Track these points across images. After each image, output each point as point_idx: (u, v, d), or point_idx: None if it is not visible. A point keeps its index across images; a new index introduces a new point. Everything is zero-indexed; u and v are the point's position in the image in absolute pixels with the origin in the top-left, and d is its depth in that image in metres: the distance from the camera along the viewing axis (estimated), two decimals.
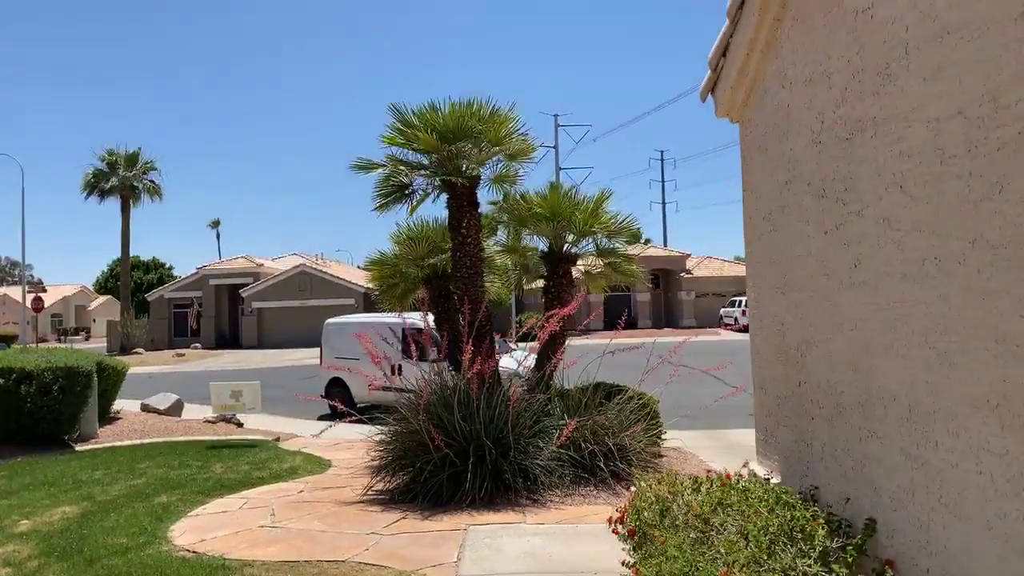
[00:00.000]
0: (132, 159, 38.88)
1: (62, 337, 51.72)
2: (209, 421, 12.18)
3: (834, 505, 3.46)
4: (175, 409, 13.21)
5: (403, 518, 6.45)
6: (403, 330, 11.73)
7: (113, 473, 8.43)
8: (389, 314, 14.27)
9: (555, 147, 45.34)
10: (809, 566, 2.88)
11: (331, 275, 40.88)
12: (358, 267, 51.86)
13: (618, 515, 4.41)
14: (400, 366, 8.91)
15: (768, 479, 4.11)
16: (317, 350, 36.84)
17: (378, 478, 7.44)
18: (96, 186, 38.22)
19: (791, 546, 3.11)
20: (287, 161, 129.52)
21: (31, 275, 64.98)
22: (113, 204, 39.02)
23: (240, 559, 5.36)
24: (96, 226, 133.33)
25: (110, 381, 11.86)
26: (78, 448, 10.10)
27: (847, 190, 3.26)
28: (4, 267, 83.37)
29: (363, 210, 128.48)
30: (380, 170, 8.78)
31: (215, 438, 10.73)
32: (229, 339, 41.88)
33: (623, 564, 4.30)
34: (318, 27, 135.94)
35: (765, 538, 3.11)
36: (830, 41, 3.36)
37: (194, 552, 5.59)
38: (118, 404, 12.60)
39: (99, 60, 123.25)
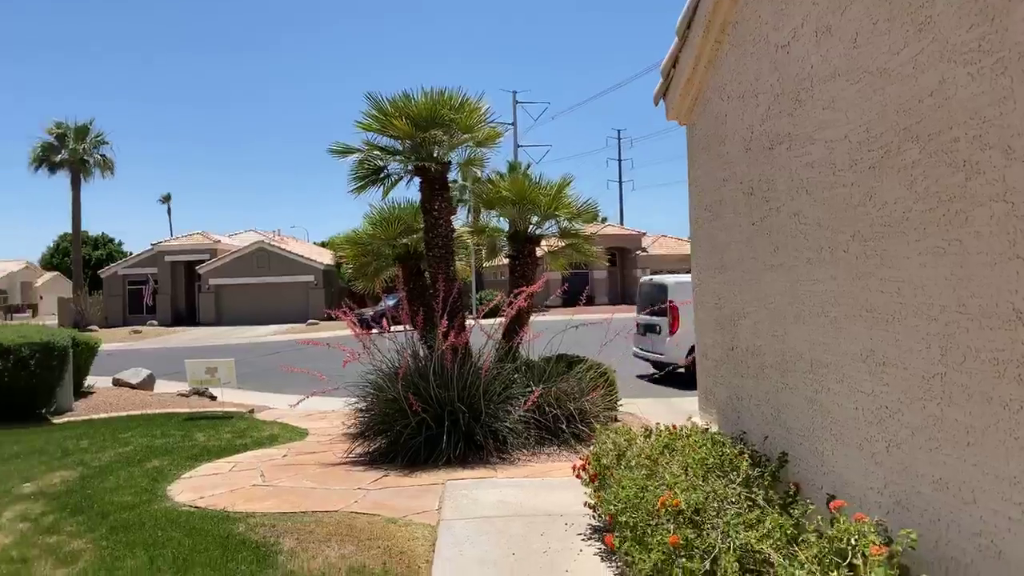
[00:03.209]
0: (82, 132, 37.69)
1: (9, 314, 50.33)
2: (182, 395, 12.55)
3: (757, 444, 4.26)
4: (148, 383, 13.52)
5: (385, 476, 7.06)
6: None
7: (99, 442, 8.78)
8: None
9: (513, 124, 45.79)
10: (735, 489, 3.65)
11: (290, 252, 40.63)
12: (315, 243, 51.49)
13: (581, 463, 5.15)
14: None
15: (707, 428, 4.89)
16: (277, 327, 36.38)
17: (358, 443, 8.03)
18: (45, 159, 37.06)
19: (722, 476, 3.89)
20: (239, 137, 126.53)
21: None
22: (60, 179, 38.02)
23: (241, 511, 5.88)
24: (40, 201, 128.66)
25: (83, 356, 12.13)
26: (55, 421, 10.38)
27: (769, 190, 3.99)
28: None
29: (319, 186, 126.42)
30: (356, 155, 9.26)
31: (190, 410, 11.09)
32: (186, 316, 41.38)
33: (585, 505, 5.05)
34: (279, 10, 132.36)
35: (701, 469, 3.88)
36: (758, 67, 4.07)
37: (197, 507, 6.12)
38: (89, 379, 12.88)
39: (45, 32, 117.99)
